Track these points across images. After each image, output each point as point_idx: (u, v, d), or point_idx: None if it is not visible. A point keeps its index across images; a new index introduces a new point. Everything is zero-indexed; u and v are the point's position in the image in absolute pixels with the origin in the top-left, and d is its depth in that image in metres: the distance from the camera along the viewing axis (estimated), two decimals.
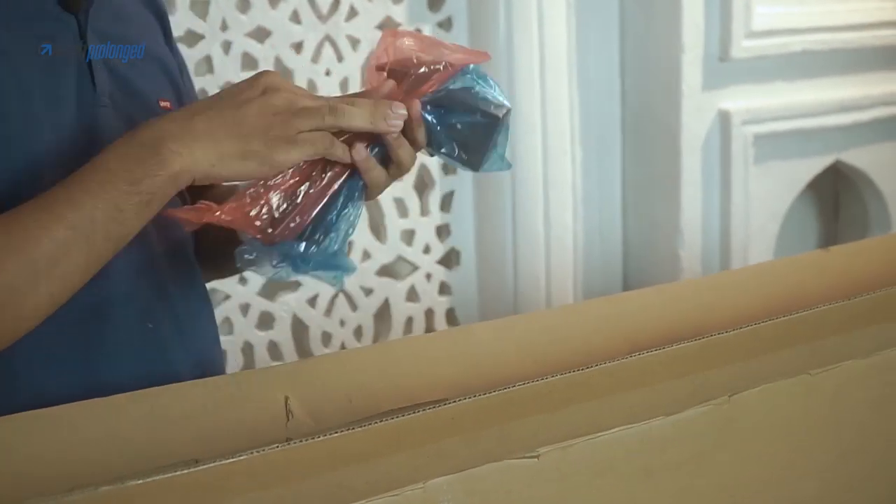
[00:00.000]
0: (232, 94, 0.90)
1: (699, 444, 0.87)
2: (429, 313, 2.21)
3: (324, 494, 0.70)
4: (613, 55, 2.22)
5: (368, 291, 2.12)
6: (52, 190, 0.86)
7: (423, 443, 0.77)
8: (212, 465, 0.73)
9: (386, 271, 2.16)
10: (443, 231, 2.21)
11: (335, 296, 2.08)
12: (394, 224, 2.12)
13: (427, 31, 2.08)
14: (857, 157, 2.43)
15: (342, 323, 2.10)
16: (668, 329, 1.22)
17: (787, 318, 0.99)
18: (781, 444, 0.95)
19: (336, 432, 0.77)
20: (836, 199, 2.69)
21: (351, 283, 2.09)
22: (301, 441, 0.77)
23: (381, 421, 0.79)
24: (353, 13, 2.02)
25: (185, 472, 0.72)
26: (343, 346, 2.08)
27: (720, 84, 2.19)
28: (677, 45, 2.11)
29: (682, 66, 2.12)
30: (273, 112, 0.89)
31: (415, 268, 2.18)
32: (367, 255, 2.11)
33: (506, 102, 0.95)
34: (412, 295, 2.18)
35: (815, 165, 2.37)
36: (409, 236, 2.16)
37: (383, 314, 2.16)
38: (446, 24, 2.12)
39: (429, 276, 2.20)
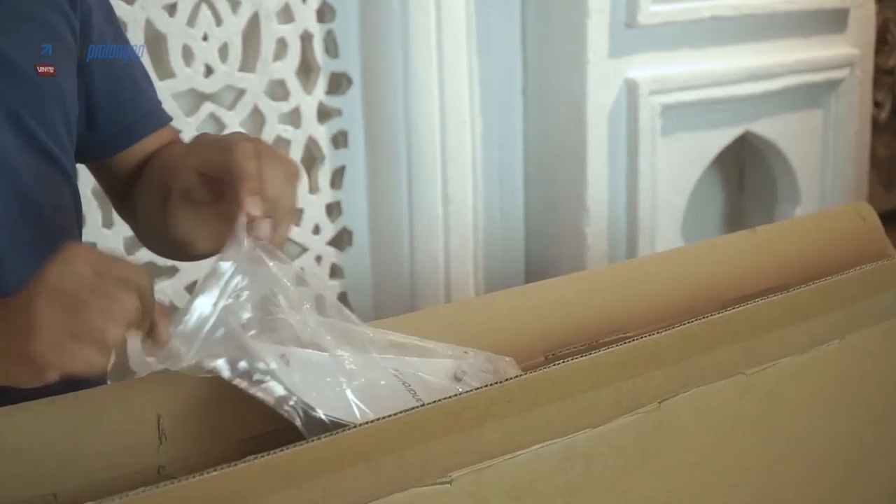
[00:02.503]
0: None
1: (627, 457, 0.82)
2: (319, 299, 2.07)
3: None
4: (514, 19, 2.10)
5: None
6: None
7: (317, 475, 0.67)
8: None
9: None
10: (333, 209, 2.08)
11: None
12: None
13: None
14: (767, 128, 2.36)
15: None
16: (587, 326, 1.18)
17: (719, 316, 0.92)
18: (715, 450, 0.90)
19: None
20: (741, 171, 2.63)
21: None
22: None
23: (276, 452, 0.67)
24: None
25: None
26: None
27: (627, 51, 2.08)
28: (583, 9, 2.00)
29: (587, 31, 2.01)
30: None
31: (304, 249, 2.05)
32: None
33: None
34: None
35: (724, 137, 2.30)
36: (296, 216, 2.02)
37: None
38: None
39: (319, 259, 2.07)
